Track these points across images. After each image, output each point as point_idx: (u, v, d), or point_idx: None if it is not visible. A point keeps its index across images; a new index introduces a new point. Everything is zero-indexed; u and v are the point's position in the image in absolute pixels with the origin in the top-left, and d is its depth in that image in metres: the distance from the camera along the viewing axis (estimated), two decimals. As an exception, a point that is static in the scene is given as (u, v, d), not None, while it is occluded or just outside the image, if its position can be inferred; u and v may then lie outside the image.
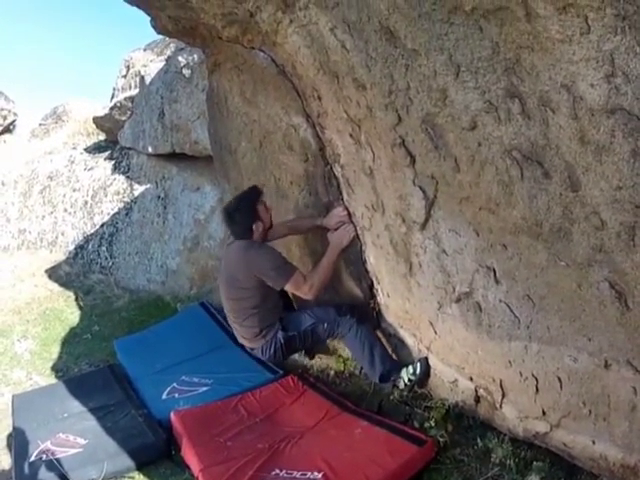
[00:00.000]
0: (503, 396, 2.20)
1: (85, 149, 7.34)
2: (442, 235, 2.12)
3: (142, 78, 6.18)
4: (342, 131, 2.49)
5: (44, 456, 2.50)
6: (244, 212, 2.92)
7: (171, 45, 6.16)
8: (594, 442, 1.87)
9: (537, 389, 1.99)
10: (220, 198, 4.87)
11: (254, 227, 2.91)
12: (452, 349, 2.39)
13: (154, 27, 3.13)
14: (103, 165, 6.66)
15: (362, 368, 2.99)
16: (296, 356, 3.31)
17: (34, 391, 3.40)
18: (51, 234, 6.48)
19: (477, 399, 2.38)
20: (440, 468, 2.20)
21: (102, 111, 7.28)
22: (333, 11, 1.97)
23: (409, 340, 2.77)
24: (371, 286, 2.95)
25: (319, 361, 3.32)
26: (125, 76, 7.29)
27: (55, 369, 3.86)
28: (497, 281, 1.95)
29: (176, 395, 3.00)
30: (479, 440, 2.28)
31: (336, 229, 2.92)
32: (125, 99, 6.75)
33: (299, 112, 2.83)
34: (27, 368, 3.88)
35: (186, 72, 5.23)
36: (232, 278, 2.99)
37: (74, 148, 7.46)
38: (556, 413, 1.97)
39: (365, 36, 1.89)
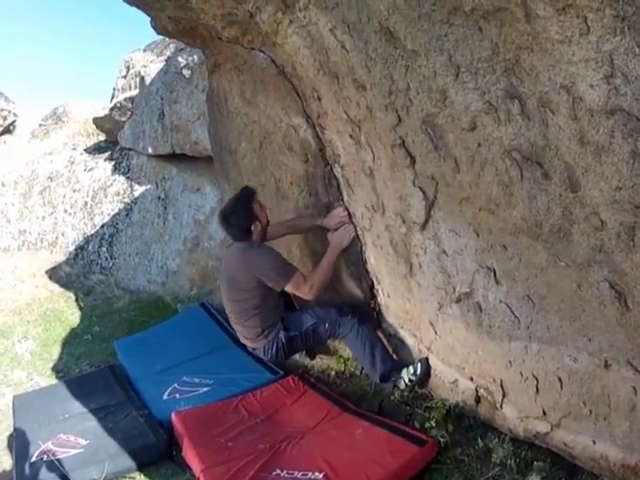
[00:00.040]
0: (503, 396, 2.21)
1: (85, 150, 7.34)
2: (442, 236, 2.12)
3: (142, 79, 6.18)
4: (342, 132, 2.50)
5: (45, 457, 2.50)
6: (241, 214, 2.92)
7: (171, 46, 6.16)
8: (594, 442, 1.87)
9: (537, 389, 1.99)
10: (220, 199, 4.87)
11: (252, 227, 2.91)
12: (452, 349, 2.39)
13: (154, 28, 3.14)
14: (103, 166, 6.66)
15: (363, 368, 2.99)
16: (297, 356, 3.31)
17: (35, 392, 3.40)
18: (51, 235, 6.48)
19: (477, 399, 2.38)
20: (441, 468, 2.20)
21: (102, 112, 7.28)
22: (333, 12, 1.98)
23: (409, 340, 2.77)
24: (371, 286, 2.95)
25: (320, 361, 3.32)
26: (125, 77, 7.29)
27: (56, 370, 3.86)
28: (497, 281, 1.95)
29: (177, 396, 3.00)
30: (480, 440, 2.28)
31: (336, 229, 2.92)
32: (125, 100, 6.74)
33: (299, 113, 2.83)
34: (28, 369, 3.88)
35: (186, 73, 5.23)
36: (232, 280, 3.00)
37: (74, 149, 7.46)
38: (556, 413, 1.97)
39: (365, 37, 1.89)
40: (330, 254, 2.89)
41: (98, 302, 5.21)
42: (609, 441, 1.81)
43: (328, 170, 2.86)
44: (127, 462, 2.47)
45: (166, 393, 3.04)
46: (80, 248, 6.19)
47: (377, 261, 2.77)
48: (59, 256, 6.20)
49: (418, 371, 2.62)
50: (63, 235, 6.40)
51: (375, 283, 2.91)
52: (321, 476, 2.12)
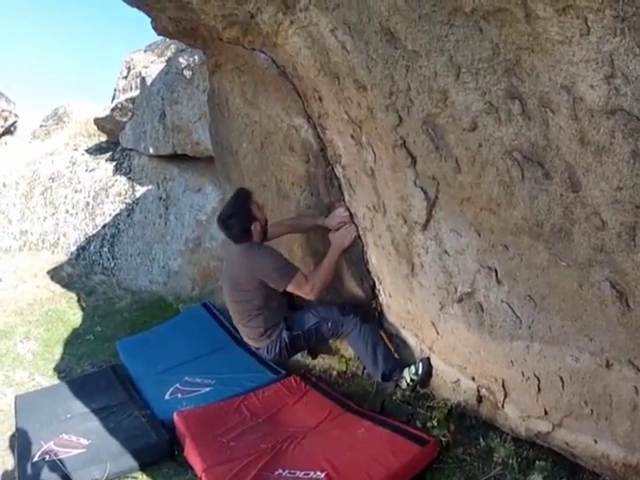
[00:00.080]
0: (505, 396, 2.21)
1: (86, 150, 7.34)
2: (443, 235, 2.12)
3: (143, 79, 6.19)
4: (343, 132, 2.50)
5: (47, 457, 2.51)
6: (239, 216, 2.91)
7: (172, 46, 6.16)
8: (596, 441, 1.87)
9: (539, 389, 2.00)
10: (222, 199, 4.87)
11: (252, 228, 2.91)
12: (454, 349, 2.39)
13: (155, 28, 3.14)
14: (104, 166, 6.67)
15: (365, 368, 3.00)
16: (299, 356, 3.31)
17: (37, 392, 3.41)
18: (53, 235, 6.48)
19: (479, 399, 2.38)
20: (443, 468, 2.21)
21: (103, 112, 7.28)
22: (334, 12, 1.98)
23: (411, 340, 2.77)
24: (373, 286, 2.96)
25: (322, 361, 3.33)
26: (126, 77, 7.29)
27: (58, 370, 3.87)
28: (499, 281, 1.96)
29: (179, 395, 3.01)
30: (481, 440, 2.29)
31: (337, 229, 2.92)
32: (126, 100, 6.74)
33: (300, 113, 2.83)
34: (30, 369, 3.89)
35: (187, 73, 5.23)
36: (234, 281, 3.00)
37: (75, 149, 7.46)
38: (558, 412, 1.98)
39: (366, 37, 1.90)
40: (331, 254, 2.90)
41: (100, 302, 5.21)
42: (610, 440, 1.81)
43: (329, 170, 2.86)
44: (129, 462, 2.48)
45: (168, 393, 3.05)
46: (82, 248, 6.19)
47: (379, 261, 2.77)
48: (61, 256, 6.21)
49: (420, 371, 2.63)
50: (65, 235, 6.41)
51: (377, 283, 2.91)
52: (323, 476, 2.12)
